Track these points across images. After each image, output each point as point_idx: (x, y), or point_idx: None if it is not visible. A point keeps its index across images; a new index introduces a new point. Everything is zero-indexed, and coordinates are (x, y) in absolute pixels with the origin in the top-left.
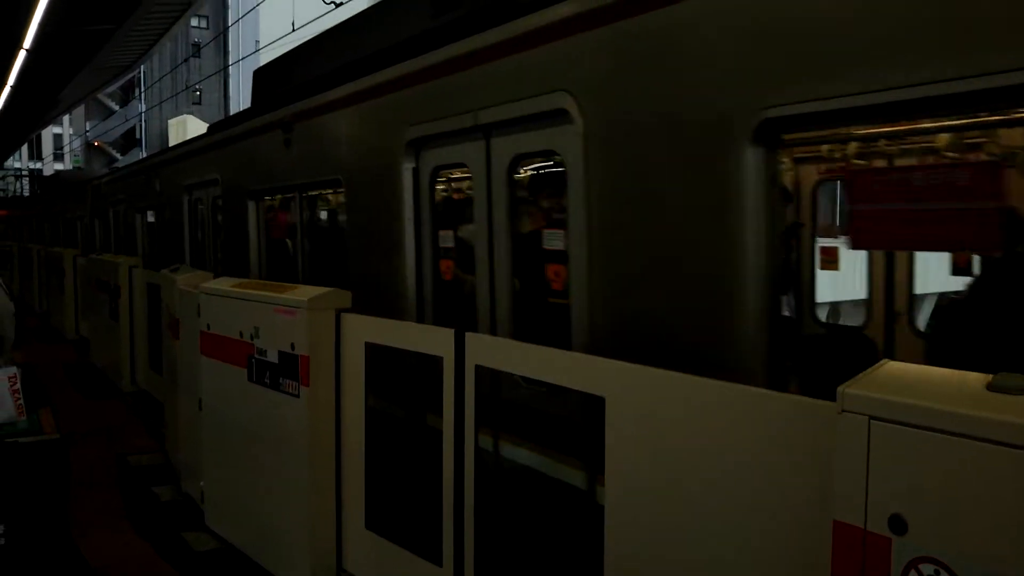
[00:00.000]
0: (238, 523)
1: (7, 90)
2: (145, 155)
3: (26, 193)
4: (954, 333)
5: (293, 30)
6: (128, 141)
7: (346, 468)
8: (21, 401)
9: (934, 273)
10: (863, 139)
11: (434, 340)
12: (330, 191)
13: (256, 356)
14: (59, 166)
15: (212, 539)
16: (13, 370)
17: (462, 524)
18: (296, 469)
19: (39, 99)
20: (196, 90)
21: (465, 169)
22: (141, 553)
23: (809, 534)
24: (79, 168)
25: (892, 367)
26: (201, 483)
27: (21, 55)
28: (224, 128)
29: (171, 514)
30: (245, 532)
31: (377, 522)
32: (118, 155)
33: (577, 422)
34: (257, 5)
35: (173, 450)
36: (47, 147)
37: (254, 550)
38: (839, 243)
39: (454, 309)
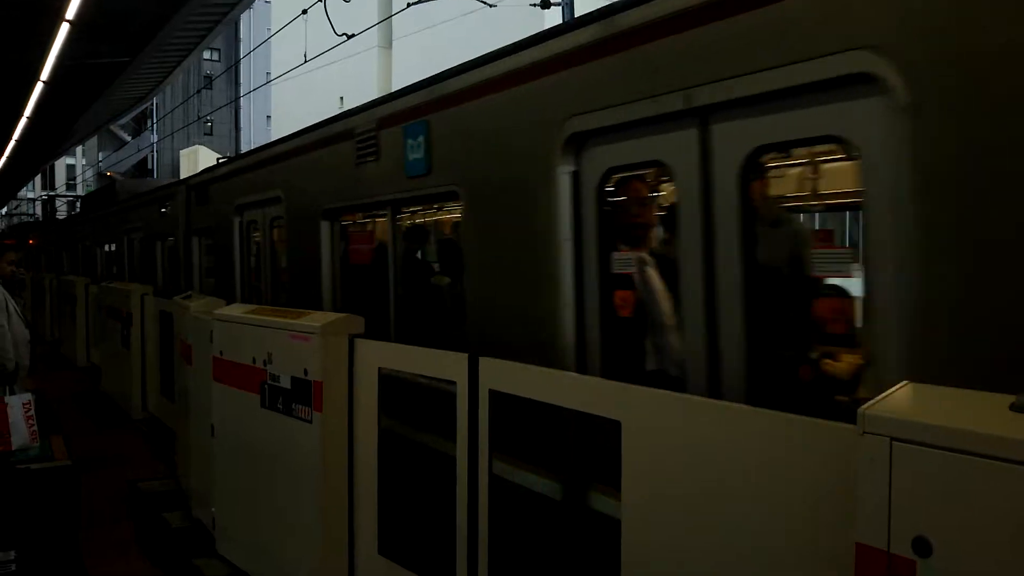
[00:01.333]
0: (249, 549)
1: (24, 121)
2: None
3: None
4: None
5: (305, 61)
6: (140, 171)
7: (359, 493)
8: (35, 427)
9: None
10: None
11: (447, 365)
12: None
13: (269, 382)
14: (71, 196)
15: (223, 565)
16: (28, 396)
17: (476, 550)
18: (308, 494)
19: (54, 130)
20: (207, 121)
21: None
22: None
23: (830, 557)
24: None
25: (912, 388)
26: (212, 509)
27: (38, 87)
28: None
29: (182, 540)
30: (256, 558)
31: (390, 548)
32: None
33: None
34: (268, 38)
35: (184, 476)
36: (60, 177)
37: None
38: None
39: None
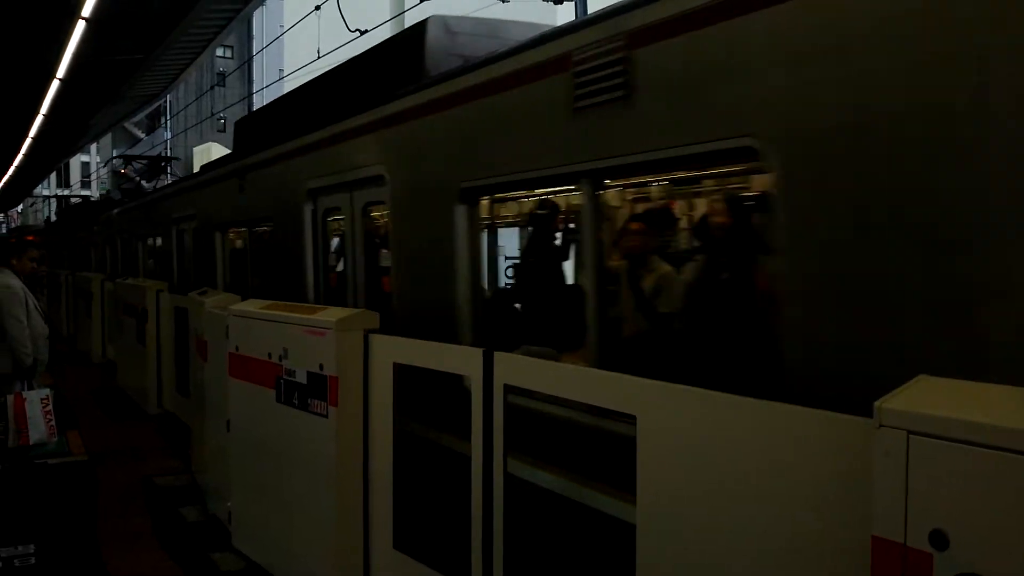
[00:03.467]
0: (265, 543)
1: (40, 118)
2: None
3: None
4: None
5: (319, 57)
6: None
7: (374, 488)
8: (53, 422)
9: None
10: None
11: (462, 359)
12: None
13: (284, 377)
14: (87, 193)
15: (239, 560)
16: (46, 392)
17: (491, 544)
18: (324, 489)
19: (70, 127)
20: (221, 118)
21: None
22: (169, 573)
23: (846, 550)
24: None
25: (929, 381)
26: (228, 504)
27: (54, 84)
28: None
29: (198, 535)
30: (272, 552)
31: (406, 542)
32: (144, 182)
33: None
34: (281, 35)
35: (200, 471)
36: (75, 174)
37: (281, 570)
38: None
39: None
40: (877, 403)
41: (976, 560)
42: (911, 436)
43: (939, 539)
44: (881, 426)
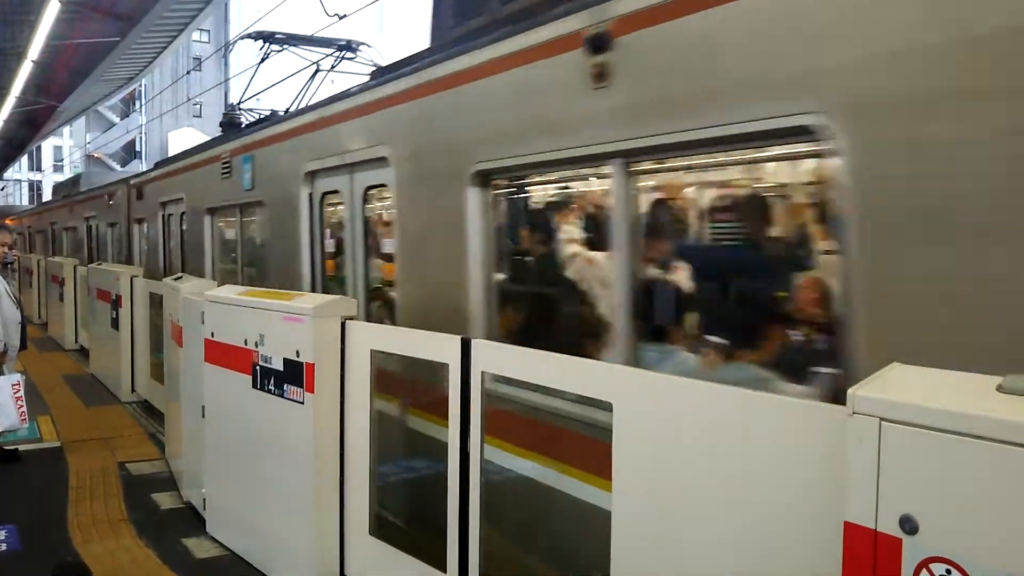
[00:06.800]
0: (240, 530)
1: (11, 100)
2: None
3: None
4: None
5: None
6: (128, 153)
7: (350, 474)
8: (24, 408)
9: None
10: None
11: (440, 347)
12: None
13: (261, 363)
14: (59, 177)
15: (214, 546)
16: (17, 377)
17: (467, 529)
18: (300, 475)
19: (42, 110)
20: (197, 103)
21: None
22: (143, 559)
23: (819, 536)
24: None
25: (902, 369)
26: (203, 490)
27: (27, 66)
28: None
29: (172, 521)
30: (247, 539)
31: (381, 528)
32: (118, 167)
33: None
34: (259, 19)
35: (174, 457)
36: (47, 158)
37: (256, 557)
38: None
39: None
40: (850, 390)
41: (944, 545)
42: (883, 423)
43: (909, 524)
44: (854, 413)
